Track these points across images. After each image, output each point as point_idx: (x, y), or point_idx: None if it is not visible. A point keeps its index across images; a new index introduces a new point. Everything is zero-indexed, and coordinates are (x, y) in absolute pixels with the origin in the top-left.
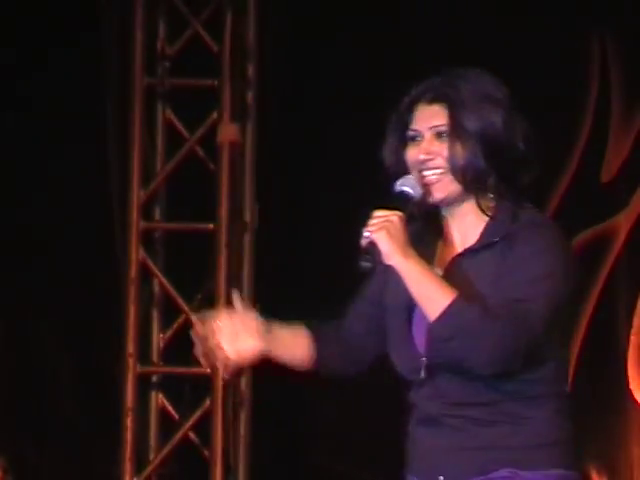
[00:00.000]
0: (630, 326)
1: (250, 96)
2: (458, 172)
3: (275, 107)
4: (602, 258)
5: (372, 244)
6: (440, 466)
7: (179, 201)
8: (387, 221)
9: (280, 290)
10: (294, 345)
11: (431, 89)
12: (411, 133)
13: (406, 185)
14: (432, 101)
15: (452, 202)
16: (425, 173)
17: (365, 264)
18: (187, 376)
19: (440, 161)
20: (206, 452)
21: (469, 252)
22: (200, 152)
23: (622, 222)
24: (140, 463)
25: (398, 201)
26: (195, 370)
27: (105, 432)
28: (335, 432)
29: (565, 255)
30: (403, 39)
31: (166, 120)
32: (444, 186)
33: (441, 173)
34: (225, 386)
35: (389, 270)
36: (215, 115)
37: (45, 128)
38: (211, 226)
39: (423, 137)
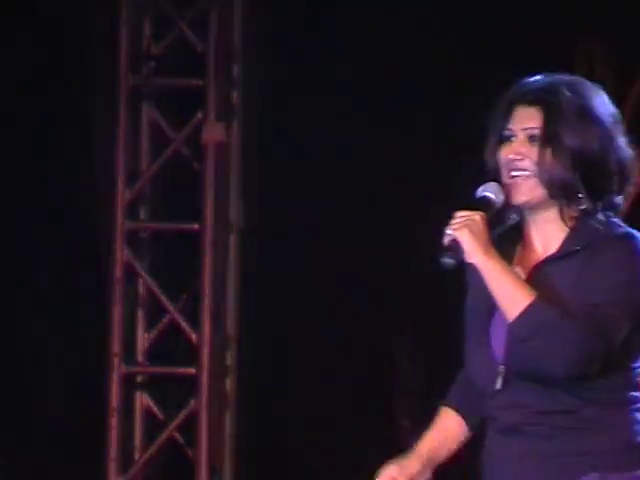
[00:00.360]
0: None
1: (235, 96)
2: (545, 178)
3: (261, 107)
4: None
5: (455, 242)
6: (525, 474)
7: (164, 201)
8: (470, 219)
9: (266, 291)
10: (448, 442)
11: (532, 91)
12: (506, 132)
13: (488, 191)
14: (531, 103)
15: (535, 207)
16: (512, 173)
17: (447, 261)
18: (172, 376)
19: (528, 163)
20: (191, 452)
21: (551, 259)
22: (185, 152)
23: None
24: (125, 463)
25: (479, 206)
26: (180, 370)
27: (90, 432)
28: (321, 432)
29: None
30: (390, 38)
31: (151, 120)
32: (528, 189)
33: (527, 176)
34: (210, 386)
35: (470, 272)
36: (200, 115)
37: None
38: (196, 226)
39: (517, 137)
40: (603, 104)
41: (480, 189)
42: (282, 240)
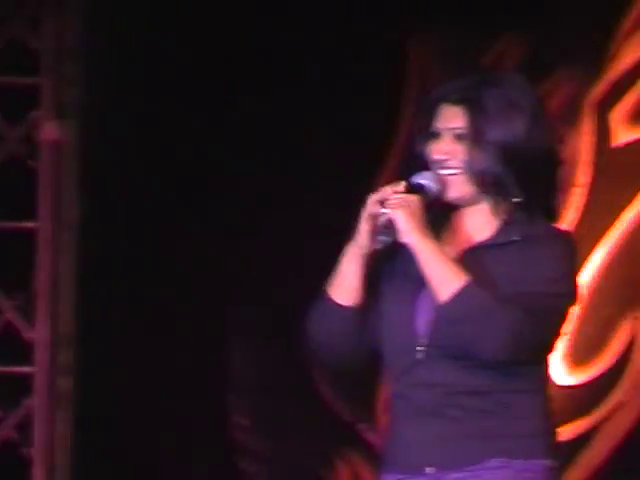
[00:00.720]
0: None
1: (71, 94)
2: (474, 175)
3: (100, 106)
4: None
5: (390, 221)
6: (429, 456)
7: (0, 200)
8: (407, 200)
9: (104, 290)
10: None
11: (456, 90)
12: (433, 131)
13: (425, 179)
14: (455, 103)
15: (466, 202)
16: (441, 172)
17: (382, 240)
18: (7, 375)
19: (456, 162)
20: (27, 452)
21: (484, 246)
22: (20, 150)
23: None
24: None
25: (415, 193)
26: (16, 369)
27: None
28: (159, 430)
29: (576, 267)
30: (232, 34)
31: None
32: (459, 186)
33: (456, 174)
34: (46, 386)
35: (398, 251)
36: (35, 113)
37: None
38: (32, 225)
39: (443, 137)
40: (526, 94)
41: (416, 177)
42: (119, 239)
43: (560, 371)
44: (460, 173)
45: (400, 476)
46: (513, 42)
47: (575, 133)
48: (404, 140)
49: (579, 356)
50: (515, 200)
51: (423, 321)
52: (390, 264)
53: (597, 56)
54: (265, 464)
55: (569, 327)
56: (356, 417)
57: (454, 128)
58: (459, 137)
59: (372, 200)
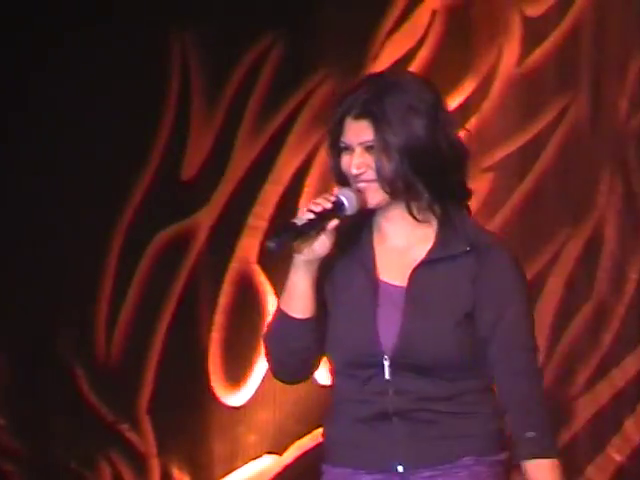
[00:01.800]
0: (212, 323)
1: None
2: (385, 183)
3: None
4: (184, 255)
5: (287, 228)
6: (400, 455)
7: None
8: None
9: None
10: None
11: (357, 105)
12: (342, 145)
13: (344, 196)
14: (358, 117)
15: (384, 208)
16: (358, 185)
17: (270, 245)
18: None
19: (371, 173)
20: None
21: (430, 262)
22: None
23: (203, 219)
24: None
25: (339, 209)
26: None
27: None
28: None
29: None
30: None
31: None
32: (374, 195)
33: (371, 184)
34: None
35: (346, 256)
36: None
37: None
38: None
39: (354, 150)
40: (424, 94)
41: (338, 192)
42: None
43: (321, 371)
44: (374, 182)
45: (369, 473)
46: (274, 41)
47: None
48: (168, 125)
49: None
50: (429, 199)
51: (388, 333)
52: (332, 273)
53: (358, 56)
54: (22, 464)
55: None
56: (118, 418)
57: (363, 142)
58: (368, 149)
59: (305, 211)
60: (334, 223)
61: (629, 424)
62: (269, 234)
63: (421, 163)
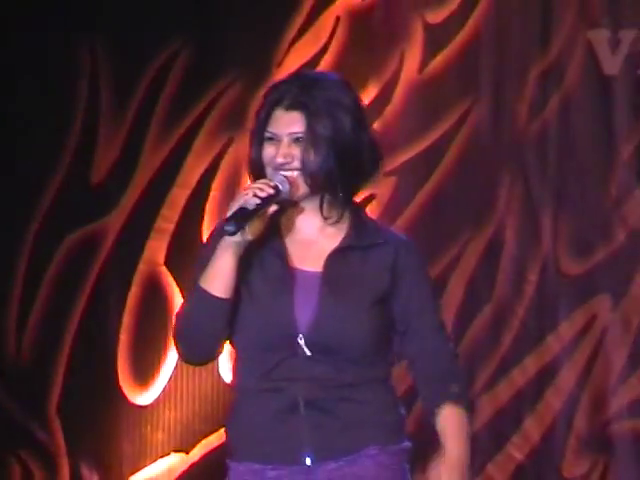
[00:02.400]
0: (120, 324)
1: None
2: (309, 175)
3: None
4: (92, 258)
5: (242, 212)
6: (307, 447)
7: None
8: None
9: None
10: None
11: (289, 97)
12: (268, 134)
13: (277, 182)
14: (289, 108)
15: (302, 200)
16: (283, 174)
17: (228, 229)
18: None
19: (297, 164)
20: None
21: (345, 249)
22: None
23: (112, 222)
24: None
25: (276, 192)
26: None
27: None
28: None
29: None
30: None
31: None
32: (300, 187)
33: (294, 174)
34: None
35: (256, 246)
36: None
37: None
38: None
39: (282, 141)
40: (348, 94)
41: (272, 178)
42: None
43: (228, 370)
44: (299, 174)
45: (277, 467)
46: (181, 47)
47: (242, 136)
48: (77, 129)
49: None
50: (343, 197)
51: (304, 314)
52: (247, 259)
53: (263, 61)
54: None
55: None
56: (27, 418)
57: (293, 133)
58: (296, 140)
59: (250, 196)
60: (273, 208)
61: (529, 423)
62: (225, 220)
63: (345, 160)
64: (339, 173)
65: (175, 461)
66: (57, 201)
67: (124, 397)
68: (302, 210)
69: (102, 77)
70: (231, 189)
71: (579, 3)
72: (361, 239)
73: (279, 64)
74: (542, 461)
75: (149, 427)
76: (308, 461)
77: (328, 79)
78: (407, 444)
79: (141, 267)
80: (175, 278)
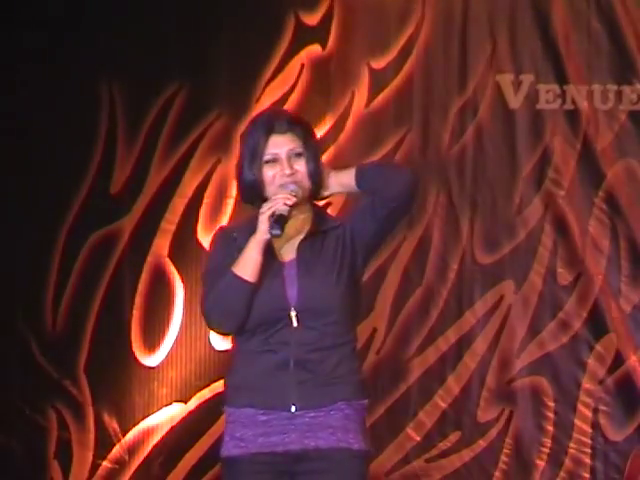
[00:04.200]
0: (133, 303)
1: None
2: (312, 182)
3: None
4: (111, 252)
5: (280, 217)
6: (293, 397)
7: None
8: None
9: None
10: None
11: (282, 124)
12: (268, 157)
13: (294, 191)
14: (284, 132)
15: (301, 203)
16: (291, 187)
17: (275, 232)
18: None
19: (299, 175)
20: None
21: (310, 236)
22: None
23: (126, 224)
24: None
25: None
26: None
27: None
28: None
29: None
30: None
31: None
32: (302, 192)
33: (301, 183)
34: None
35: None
36: None
37: None
38: None
39: (281, 159)
40: (308, 123)
41: (274, 209)
42: None
43: (217, 339)
44: (303, 182)
45: (267, 412)
46: (179, 88)
47: (228, 157)
48: (99, 151)
49: None
50: (323, 196)
51: (291, 293)
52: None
53: (244, 98)
54: None
55: None
56: (61, 375)
57: (292, 149)
58: (297, 155)
59: (268, 206)
60: (294, 212)
61: (451, 379)
62: (270, 226)
63: (321, 171)
64: (323, 176)
65: (176, 410)
66: (84, 207)
67: (136, 360)
68: (295, 217)
69: (119, 110)
70: (219, 198)
71: (489, 54)
72: (320, 226)
73: (257, 100)
74: (461, 409)
75: (156, 383)
76: (293, 409)
77: (295, 113)
78: (366, 401)
79: (149, 259)
80: (176, 267)
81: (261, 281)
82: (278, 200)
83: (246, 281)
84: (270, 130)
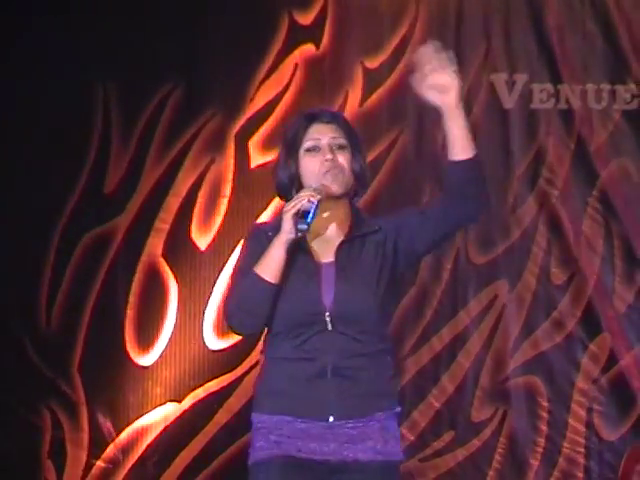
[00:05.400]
0: (127, 302)
1: None
2: (355, 174)
3: None
4: (106, 251)
5: (307, 215)
6: (331, 408)
7: None
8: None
9: None
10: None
11: (325, 114)
12: (308, 144)
13: (317, 189)
14: (329, 122)
15: (344, 197)
16: (331, 172)
17: (300, 228)
18: None
19: (340, 167)
20: None
21: (349, 240)
22: None
23: (121, 223)
24: None
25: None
26: None
27: None
28: None
29: None
30: None
31: None
32: (339, 186)
33: (339, 175)
34: None
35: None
36: None
37: None
38: None
39: (322, 149)
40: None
41: (311, 191)
42: None
43: (211, 338)
44: (345, 172)
45: (305, 421)
46: (173, 88)
47: (222, 157)
48: (94, 151)
49: (225, 326)
50: (359, 196)
51: (327, 297)
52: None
53: (238, 98)
54: None
55: (216, 304)
56: (55, 375)
57: (334, 137)
58: (339, 147)
59: (292, 204)
60: (319, 213)
61: (445, 379)
62: (297, 221)
63: (366, 168)
64: (368, 176)
65: (170, 409)
66: (79, 206)
67: (130, 359)
68: (323, 214)
69: (113, 111)
70: (213, 197)
71: (483, 53)
72: (360, 229)
73: (251, 100)
74: (455, 408)
75: (150, 382)
76: (331, 419)
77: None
78: (399, 409)
79: (143, 258)
80: (170, 267)
81: (295, 281)
82: (302, 197)
83: (268, 282)
84: (312, 119)
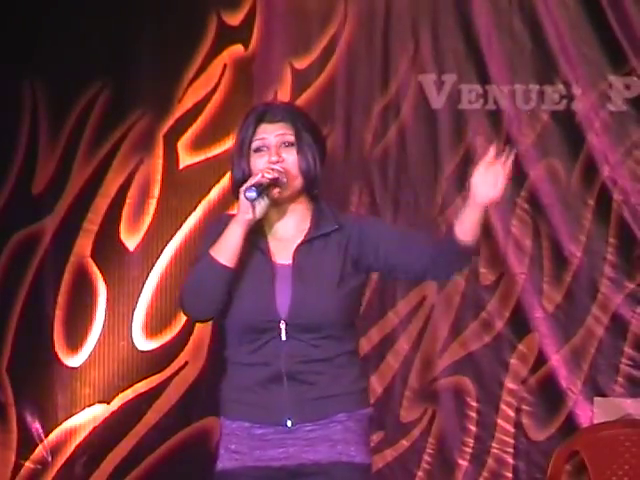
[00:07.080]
0: (56, 303)
1: None
2: (303, 173)
3: None
4: (34, 252)
5: (258, 184)
6: (289, 412)
7: None
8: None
9: None
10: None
11: (274, 112)
12: (256, 144)
13: (278, 173)
14: (275, 120)
15: (292, 199)
16: (275, 175)
17: (251, 195)
18: None
19: (288, 164)
20: None
21: (308, 241)
22: None
23: (49, 224)
24: None
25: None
26: None
27: None
28: None
29: None
30: None
31: None
32: (291, 185)
33: (288, 174)
34: None
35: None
36: None
37: None
38: None
39: (270, 148)
40: (306, 114)
41: (252, 184)
42: None
43: (140, 339)
44: (290, 172)
45: (263, 427)
46: (102, 87)
47: (150, 157)
48: (21, 151)
49: (153, 327)
50: (315, 192)
51: (283, 303)
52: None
53: (167, 99)
54: None
55: (145, 304)
56: None
57: (280, 135)
58: (287, 145)
59: (247, 184)
60: (277, 191)
61: (374, 380)
62: (245, 188)
63: (319, 163)
64: (319, 173)
65: (99, 410)
66: (6, 207)
67: (59, 360)
68: (282, 212)
69: (41, 110)
70: (142, 198)
71: (412, 54)
72: (320, 229)
73: (179, 100)
74: (384, 409)
75: (78, 383)
76: (289, 423)
77: (296, 106)
78: (369, 410)
79: (72, 259)
80: (99, 267)
81: (250, 282)
82: (261, 172)
83: (222, 264)
84: (261, 118)
